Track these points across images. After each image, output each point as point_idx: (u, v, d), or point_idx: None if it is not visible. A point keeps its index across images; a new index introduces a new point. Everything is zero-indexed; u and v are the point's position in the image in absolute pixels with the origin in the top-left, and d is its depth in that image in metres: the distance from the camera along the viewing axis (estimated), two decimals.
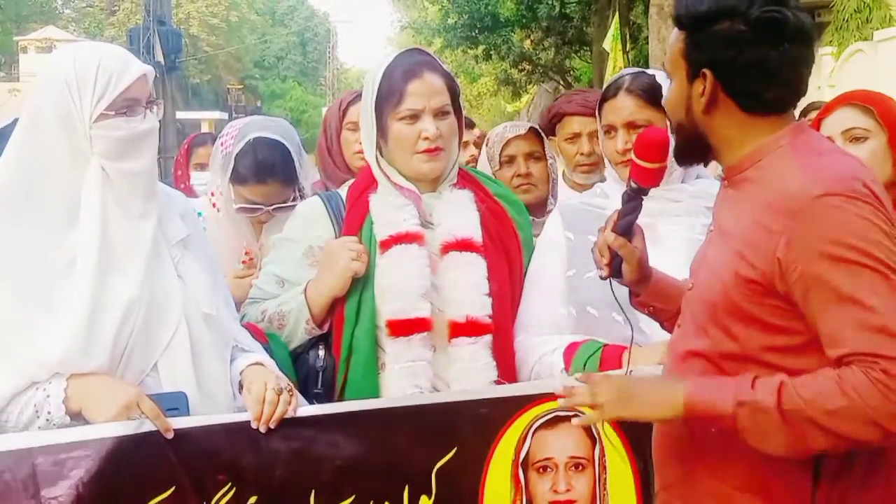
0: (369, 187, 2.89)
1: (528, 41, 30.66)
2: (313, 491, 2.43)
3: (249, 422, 2.38)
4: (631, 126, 2.79)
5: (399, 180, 2.85)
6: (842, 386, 1.91)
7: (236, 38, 60.99)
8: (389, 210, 2.82)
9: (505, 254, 2.87)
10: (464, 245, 2.80)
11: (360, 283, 2.77)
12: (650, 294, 2.47)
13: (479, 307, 2.77)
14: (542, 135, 3.59)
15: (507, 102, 36.51)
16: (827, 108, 3.05)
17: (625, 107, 2.81)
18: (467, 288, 2.77)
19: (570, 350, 2.73)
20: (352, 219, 2.87)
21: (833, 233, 1.94)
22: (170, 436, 2.29)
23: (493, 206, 2.93)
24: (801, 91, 2.16)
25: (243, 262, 3.38)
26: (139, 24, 33.79)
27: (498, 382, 2.74)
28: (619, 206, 2.47)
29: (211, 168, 3.55)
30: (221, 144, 3.42)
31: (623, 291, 2.48)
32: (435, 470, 2.50)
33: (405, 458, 2.50)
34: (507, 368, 2.79)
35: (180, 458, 2.31)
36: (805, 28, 2.10)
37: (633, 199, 2.41)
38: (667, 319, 2.51)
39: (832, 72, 15.31)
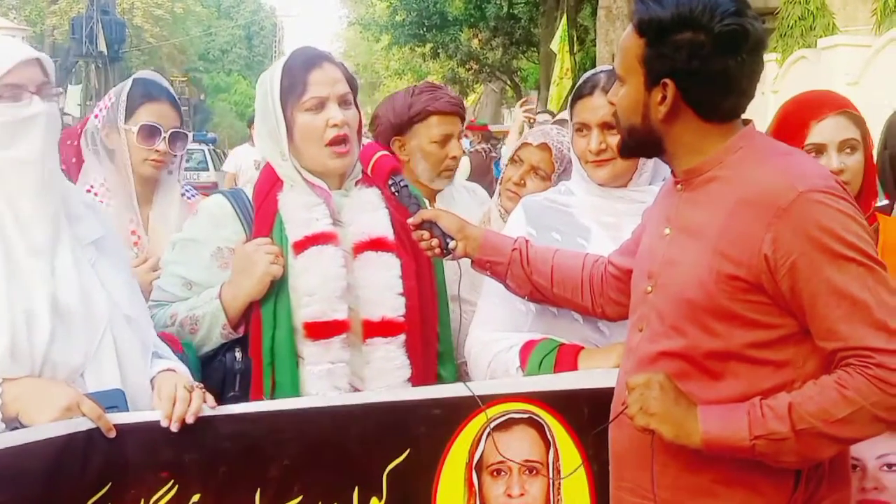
0: (275, 185, 2.82)
1: (475, 40, 30.80)
2: (259, 490, 2.39)
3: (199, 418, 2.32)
4: (605, 126, 2.74)
5: (309, 177, 2.80)
6: (843, 393, 1.98)
7: (181, 29, 60.39)
8: (300, 210, 2.76)
9: (413, 249, 2.83)
10: (377, 245, 2.77)
11: (275, 285, 2.72)
12: (483, 251, 2.65)
13: (394, 308, 2.74)
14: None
15: None
16: (817, 112, 2.84)
17: (600, 106, 2.74)
18: (382, 288, 2.74)
19: (527, 348, 2.69)
20: (261, 219, 2.79)
21: (821, 225, 1.98)
22: (112, 435, 2.22)
23: (399, 203, 2.87)
24: (752, 97, 2.20)
25: (135, 243, 3.33)
26: (82, 12, 33.27)
27: (411, 381, 2.73)
28: (583, 203, 2.76)
29: (88, 161, 3.43)
30: (98, 113, 3.41)
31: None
32: (386, 471, 2.46)
33: (355, 459, 2.46)
34: (419, 367, 2.77)
35: (121, 454, 2.25)
36: (761, 38, 2.14)
37: (400, 189, 2.73)
38: (505, 275, 2.66)
39: (776, 78, 15.54)
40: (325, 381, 2.66)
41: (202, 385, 2.37)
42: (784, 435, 2.00)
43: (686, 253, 2.17)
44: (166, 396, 2.31)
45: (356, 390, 2.69)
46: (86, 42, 30.10)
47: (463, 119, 3.76)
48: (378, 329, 2.71)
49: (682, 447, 2.09)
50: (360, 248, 2.76)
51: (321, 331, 2.66)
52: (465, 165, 3.47)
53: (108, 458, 2.24)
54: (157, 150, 3.31)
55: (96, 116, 3.39)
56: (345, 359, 2.68)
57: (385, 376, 2.70)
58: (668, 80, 2.12)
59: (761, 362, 2.09)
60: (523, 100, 6.38)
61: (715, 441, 2.05)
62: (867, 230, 2.04)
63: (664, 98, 2.14)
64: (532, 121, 6.30)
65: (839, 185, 2.06)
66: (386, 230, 2.78)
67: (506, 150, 6.25)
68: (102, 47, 30.13)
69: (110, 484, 2.24)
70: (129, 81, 3.43)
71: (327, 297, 2.67)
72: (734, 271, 2.06)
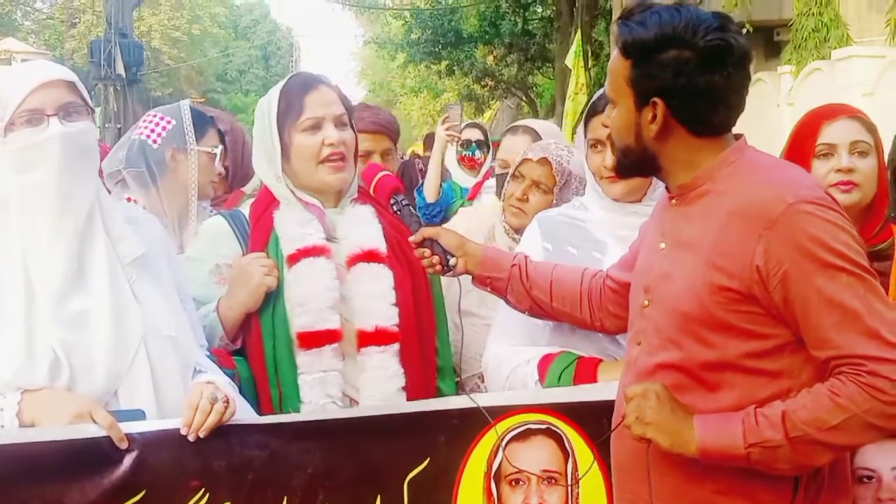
0: (271, 204, 2.91)
1: (490, 57, 30.81)
2: (285, 497, 2.44)
3: (224, 427, 2.37)
4: None
5: (303, 196, 2.88)
6: (836, 400, 2.00)
7: (198, 51, 60.61)
8: (294, 226, 2.85)
9: (408, 264, 2.90)
10: (370, 256, 2.85)
11: (272, 298, 2.79)
12: (483, 267, 2.69)
13: (387, 317, 2.81)
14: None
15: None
16: (829, 115, 2.92)
17: None
18: (375, 298, 2.81)
19: (545, 362, 2.73)
20: (257, 235, 2.88)
21: (810, 236, 2.01)
22: (124, 446, 2.28)
23: (394, 220, 2.99)
24: (741, 111, 2.23)
25: None
26: (100, 36, 33.43)
27: (406, 390, 2.77)
28: (598, 218, 2.80)
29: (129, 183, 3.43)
30: (150, 133, 3.37)
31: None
32: (407, 480, 2.50)
33: (377, 469, 2.50)
34: (415, 377, 2.83)
35: (154, 462, 2.32)
36: (746, 52, 2.17)
37: (402, 208, 2.87)
38: (505, 291, 2.69)
39: (791, 90, 15.52)
40: (318, 389, 2.72)
41: (227, 398, 2.40)
42: (778, 443, 2.02)
43: (681, 266, 2.20)
44: (189, 405, 2.36)
45: (351, 399, 2.75)
46: (104, 65, 30.27)
47: (392, 138, 3.82)
48: (372, 338, 2.77)
49: (681, 458, 2.11)
50: (354, 260, 2.83)
51: (313, 340, 2.73)
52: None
53: (143, 464, 2.30)
54: (219, 173, 3.46)
55: (147, 136, 3.35)
56: (337, 367, 2.74)
57: (379, 385, 2.76)
58: (657, 99, 2.17)
59: (757, 372, 2.11)
60: (444, 116, 6.01)
61: (710, 450, 2.07)
62: (857, 240, 2.07)
63: (654, 117, 2.18)
64: (457, 139, 6.00)
65: (828, 196, 2.09)
66: (378, 243, 2.86)
67: (431, 167, 5.86)
68: (121, 70, 30.26)
69: (144, 491, 2.30)
70: (185, 105, 3.48)
71: (318, 307, 2.74)
72: (727, 283, 2.09)
